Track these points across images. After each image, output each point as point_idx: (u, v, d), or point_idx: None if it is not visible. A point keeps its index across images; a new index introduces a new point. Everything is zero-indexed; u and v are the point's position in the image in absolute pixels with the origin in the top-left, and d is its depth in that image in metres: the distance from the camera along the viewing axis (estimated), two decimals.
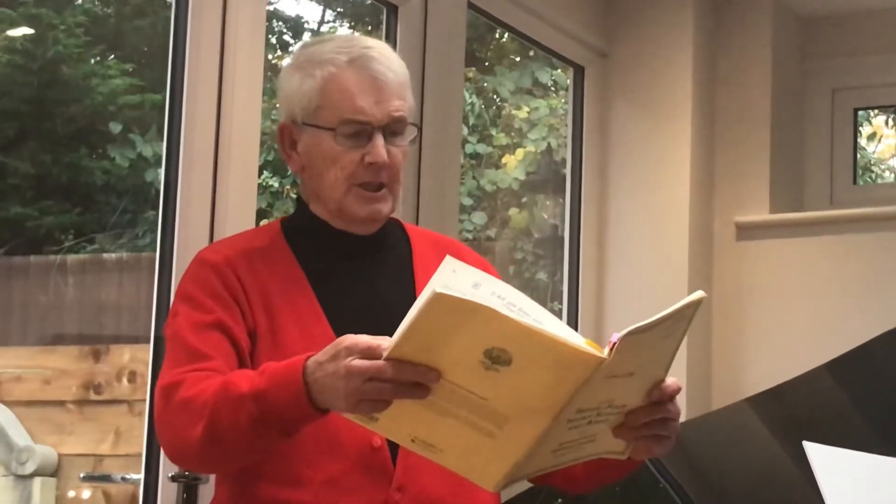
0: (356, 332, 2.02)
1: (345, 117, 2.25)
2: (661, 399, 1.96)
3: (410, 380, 1.82)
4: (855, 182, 5.13)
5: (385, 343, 1.84)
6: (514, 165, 6.32)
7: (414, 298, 2.24)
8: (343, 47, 2.30)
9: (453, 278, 1.84)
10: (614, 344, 1.79)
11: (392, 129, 2.28)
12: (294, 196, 6.37)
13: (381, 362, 1.82)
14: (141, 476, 3.12)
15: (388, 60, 2.31)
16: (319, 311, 2.24)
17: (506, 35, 6.47)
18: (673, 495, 3.02)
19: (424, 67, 3.91)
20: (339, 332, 2.08)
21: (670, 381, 1.97)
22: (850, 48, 5.07)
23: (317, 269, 2.30)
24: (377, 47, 2.32)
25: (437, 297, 1.73)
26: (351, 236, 2.33)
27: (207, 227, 3.21)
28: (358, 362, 1.84)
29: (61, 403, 4.57)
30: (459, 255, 2.40)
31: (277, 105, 2.36)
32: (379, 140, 2.26)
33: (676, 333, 1.91)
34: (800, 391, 3.49)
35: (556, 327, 1.82)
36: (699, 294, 1.88)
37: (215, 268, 2.25)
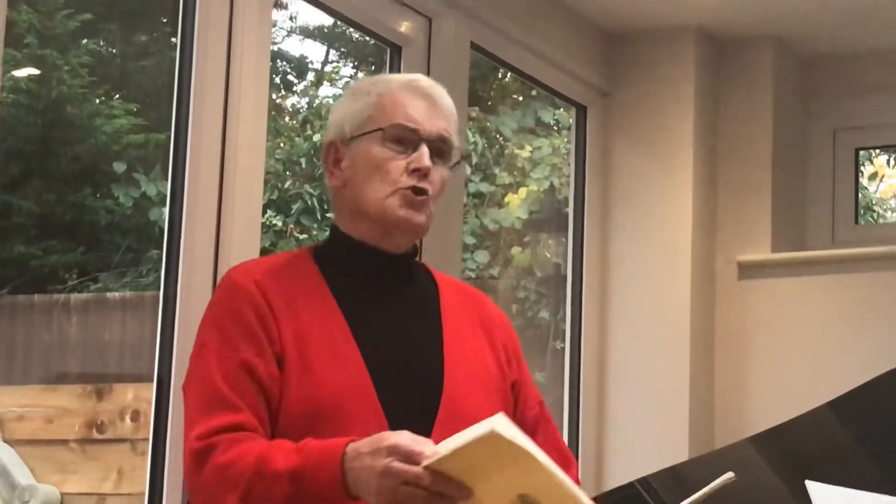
0: (383, 359, 2.12)
1: (395, 122, 2.30)
2: None
3: (444, 493, 1.86)
4: (857, 222, 5.13)
5: (427, 450, 1.88)
6: (516, 204, 6.32)
7: (440, 341, 2.31)
8: (399, 77, 2.40)
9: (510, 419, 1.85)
10: None
11: (438, 147, 2.33)
12: (298, 235, 6.39)
13: (419, 469, 1.87)
14: None
15: (441, 91, 2.38)
16: (348, 334, 2.24)
17: (508, 75, 6.49)
18: None
19: None
20: (367, 357, 2.16)
21: None
22: (852, 88, 5.09)
23: (345, 292, 2.31)
24: (432, 81, 2.41)
25: (492, 436, 1.76)
26: (382, 255, 2.34)
27: (211, 266, 3.22)
28: (397, 465, 1.88)
29: (64, 442, 4.55)
30: (483, 306, 2.47)
31: (324, 129, 2.41)
32: (425, 149, 2.30)
33: None
34: (803, 430, 3.48)
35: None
36: (729, 476, 1.92)
37: (246, 293, 2.25)
